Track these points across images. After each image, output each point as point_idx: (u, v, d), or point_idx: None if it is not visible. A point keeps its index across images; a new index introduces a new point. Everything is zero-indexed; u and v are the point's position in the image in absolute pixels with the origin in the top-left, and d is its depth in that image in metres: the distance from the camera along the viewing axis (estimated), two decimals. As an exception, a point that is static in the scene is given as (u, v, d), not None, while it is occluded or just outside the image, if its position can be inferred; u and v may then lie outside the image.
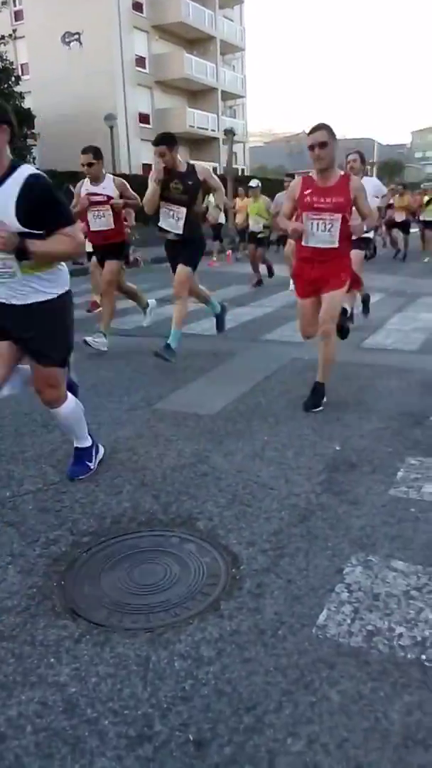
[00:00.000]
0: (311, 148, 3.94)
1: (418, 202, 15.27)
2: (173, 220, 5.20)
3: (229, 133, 23.11)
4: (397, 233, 15.38)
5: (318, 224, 4.01)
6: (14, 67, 23.72)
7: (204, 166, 5.45)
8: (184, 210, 5.14)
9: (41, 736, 1.64)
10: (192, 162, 5.41)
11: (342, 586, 2.23)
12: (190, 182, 5.15)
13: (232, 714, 1.69)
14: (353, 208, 4.12)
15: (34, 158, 24.44)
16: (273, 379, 4.94)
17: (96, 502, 2.93)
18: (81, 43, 27.79)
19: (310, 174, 4.17)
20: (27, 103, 23.50)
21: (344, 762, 1.53)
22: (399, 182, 20.35)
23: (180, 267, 5.29)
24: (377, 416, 4.01)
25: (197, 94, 32.84)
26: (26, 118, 22.92)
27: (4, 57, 22.50)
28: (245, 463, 3.32)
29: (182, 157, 5.42)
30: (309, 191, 4.06)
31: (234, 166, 23.16)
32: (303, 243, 4.15)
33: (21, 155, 22.74)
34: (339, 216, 3.98)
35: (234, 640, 1.97)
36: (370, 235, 7.54)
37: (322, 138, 3.89)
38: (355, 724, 1.64)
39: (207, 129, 32.35)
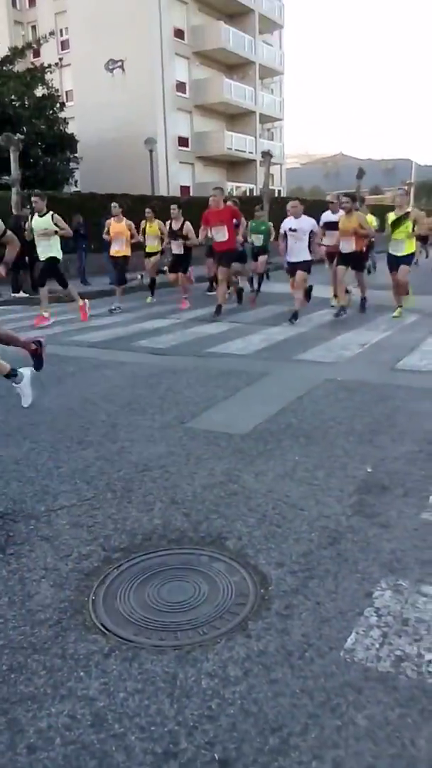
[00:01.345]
0: None
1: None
2: None
3: (267, 155, 23.32)
4: None
5: None
6: (59, 94, 24.58)
7: None
8: None
9: (69, 749, 1.67)
10: None
11: (371, 610, 2.21)
12: None
13: (258, 734, 1.69)
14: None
15: (76, 181, 25.15)
16: (305, 399, 4.94)
17: (128, 518, 2.98)
18: (124, 70, 28.61)
19: None
20: (71, 128, 24.25)
21: (370, 788, 1.52)
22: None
23: None
24: (411, 439, 3.98)
25: (235, 117, 33.33)
26: (69, 142, 23.66)
27: (51, 85, 23.34)
28: (275, 483, 3.33)
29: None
30: None
31: (271, 187, 23.32)
32: None
33: (63, 178, 23.50)
34: None
35: (261, 661, 1.97)
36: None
37: None
38: (381, 750, 1.63)
39: (245, 151, 32.77)
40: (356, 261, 9.57)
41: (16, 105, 21.67)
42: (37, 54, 26.44)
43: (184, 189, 29.95)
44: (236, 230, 10.14)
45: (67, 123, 24.04)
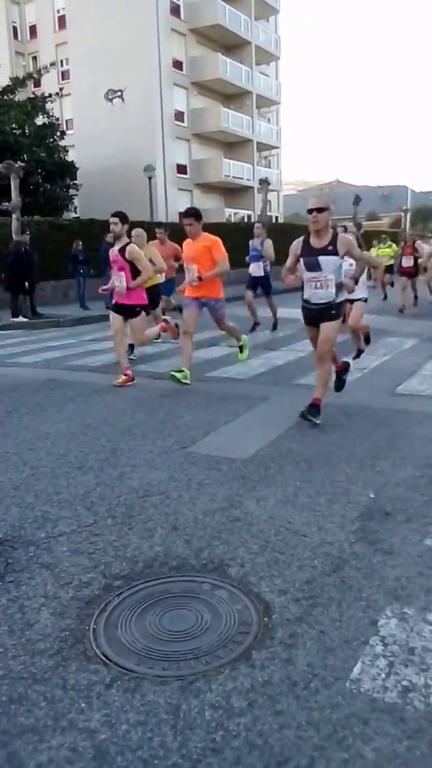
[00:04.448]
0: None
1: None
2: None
3: (264, 182, 23.69)
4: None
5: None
6: (59, 122, 25.00)
7: None
8: None
9: (70, 784, 1.63)
10: None
11: (376, 638, 2.18)
12: None
13: (263, 769, 1.65)
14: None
15: (75, 207, 25.44)
16: (305, 424, 4.94)
17: (128, 545, 2.95)
18: (123, 100, 29.11)
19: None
20: (70, 156, 24.64)
21: None
22: None
23: None
24: (412, 464, 3.96)
25: (233, 145, 33.85)
26: (69, 169, 24.01)
27: (51, 113, 23.74)
28: (277, 509, 3.31)
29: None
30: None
31: (268, 214, 23.64)
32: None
33: (63, 204, 23.79)
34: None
35: (265, 692, 1.94)
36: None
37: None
38: (390, 784, 1.59)
39: (242, 178, 33.20)
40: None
41: (17, 133, 22.01)
42: (37, 84, 26.92)
43: (183, 215, 30.29)
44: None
45: (67, 151, 24.41)
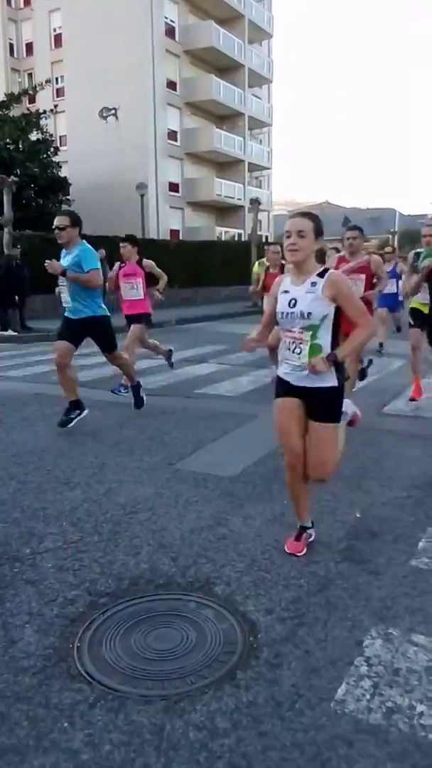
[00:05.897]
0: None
1: None
2: None
3: (255, 202, 23.93)
4: None
5: None
6: (53, 138, 25.17)
7: None
8: None
9: (51, 805, 1.60)
10: None
11: (361, 659, 2.18)
12: None
13: (247, 790, 1.64)
14: None
15: (67, 223, 25.50)
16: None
17: (114, 562, 2.93)
18: (117, 118, 29.37)
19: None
20: (63, 172, 24.80)
21: None
22: None
23: None
24: (399, 484, 3.99)
25: (225, 165, 34.21)
26: (62, 185, 24.16)
27: (45, 129, 23.93)
28: (264, 528, 3.31)
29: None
30: None
31: (258, 233, 23.87)
32: None
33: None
34: None
35: (250, 712, 1.93)
36: None
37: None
38: (374, 807, 1.59)
39: (233, 198, 33.51)
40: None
41: (11, 148, 22.12)
42: (32, 100, 27.12)
43: (174, 233, 30.48)
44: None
45: (61, 167, 24.55)
